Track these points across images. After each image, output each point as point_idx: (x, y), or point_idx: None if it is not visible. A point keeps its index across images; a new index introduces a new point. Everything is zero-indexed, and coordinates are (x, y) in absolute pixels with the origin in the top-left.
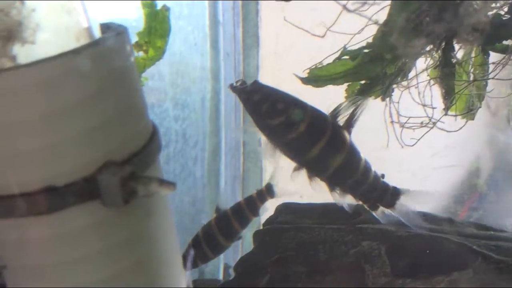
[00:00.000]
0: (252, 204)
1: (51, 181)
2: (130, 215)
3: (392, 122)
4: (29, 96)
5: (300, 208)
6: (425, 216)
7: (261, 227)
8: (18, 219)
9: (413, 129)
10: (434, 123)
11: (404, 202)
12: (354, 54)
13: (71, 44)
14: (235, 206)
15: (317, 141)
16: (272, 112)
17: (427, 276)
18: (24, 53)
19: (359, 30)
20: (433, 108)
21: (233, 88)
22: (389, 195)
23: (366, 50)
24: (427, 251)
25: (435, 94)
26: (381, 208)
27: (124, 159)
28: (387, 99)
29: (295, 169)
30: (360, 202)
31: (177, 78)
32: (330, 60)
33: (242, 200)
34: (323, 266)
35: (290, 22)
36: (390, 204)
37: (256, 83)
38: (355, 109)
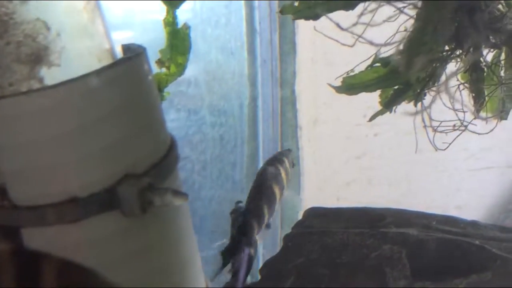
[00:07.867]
0: None
1: (75, 193)
2: (149, 224)
3: (424, 126)
4: (54, 115)
5: (327, 212)
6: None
7: None
8: (47, 227)
9: (446, 132)
10: (466, 126)
11: None
12: (386, 61)
13: (94, 65)
14: None
15: None
16: None
17: (446, 278)
18: (50, 75)
19: (390, 37)
20: (464, 112)
21: None
22: None
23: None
24: (447, 254)
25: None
26: None
27: (144, 171)
28: (419, 104)
29: None
30: None
31: (214, 85)
32: (362, 67)
33: None
34: (345, 269)
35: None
36: None
37: None
38: None
